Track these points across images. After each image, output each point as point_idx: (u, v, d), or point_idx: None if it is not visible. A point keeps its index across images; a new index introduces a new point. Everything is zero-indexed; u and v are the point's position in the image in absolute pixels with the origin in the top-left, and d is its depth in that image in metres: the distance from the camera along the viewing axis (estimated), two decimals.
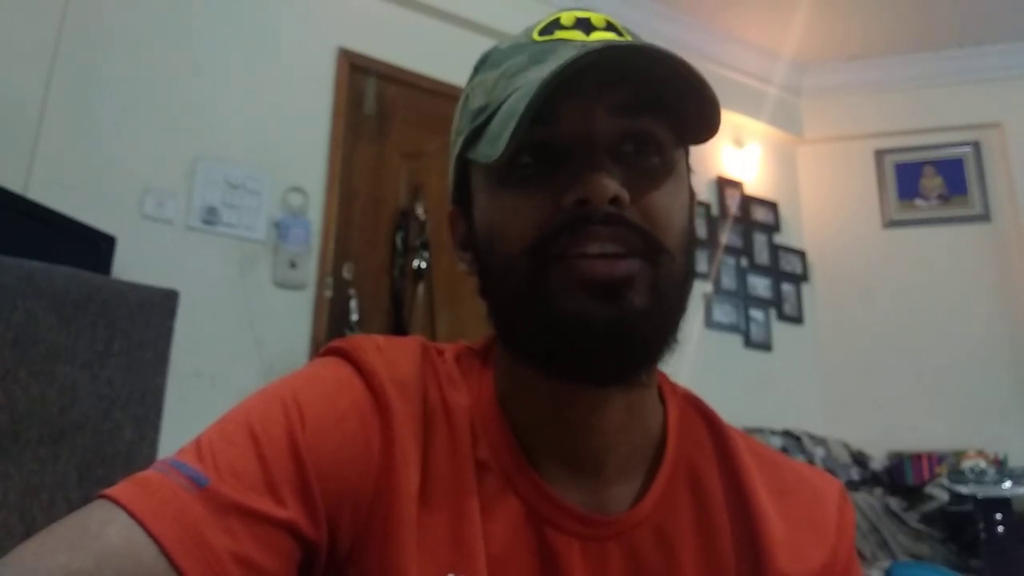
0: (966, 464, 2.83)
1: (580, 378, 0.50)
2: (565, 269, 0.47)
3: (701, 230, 3.39)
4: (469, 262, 0.57)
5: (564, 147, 0.49)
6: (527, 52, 0.52)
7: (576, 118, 0.49)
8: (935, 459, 3.03)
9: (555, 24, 0.53)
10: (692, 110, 0.50)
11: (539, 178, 0.49)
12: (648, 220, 0.49)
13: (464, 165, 0.55)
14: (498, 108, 0.50)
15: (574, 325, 0.47)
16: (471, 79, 0.56)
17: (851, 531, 0.58)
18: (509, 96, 0.49)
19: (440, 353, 0.57)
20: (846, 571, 0.56)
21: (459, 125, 0.56)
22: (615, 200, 0.47)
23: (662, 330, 0.50)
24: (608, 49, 0.46)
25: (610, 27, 0.53)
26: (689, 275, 0.52)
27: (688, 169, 0.56)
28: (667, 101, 0.49)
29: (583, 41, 0.51)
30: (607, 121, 0.49)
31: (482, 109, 0.52)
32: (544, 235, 0.48)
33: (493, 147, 0.47)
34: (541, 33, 0.53)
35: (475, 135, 0.52)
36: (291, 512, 0.45)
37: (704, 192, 3.45)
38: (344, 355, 0.54)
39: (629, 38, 0.53)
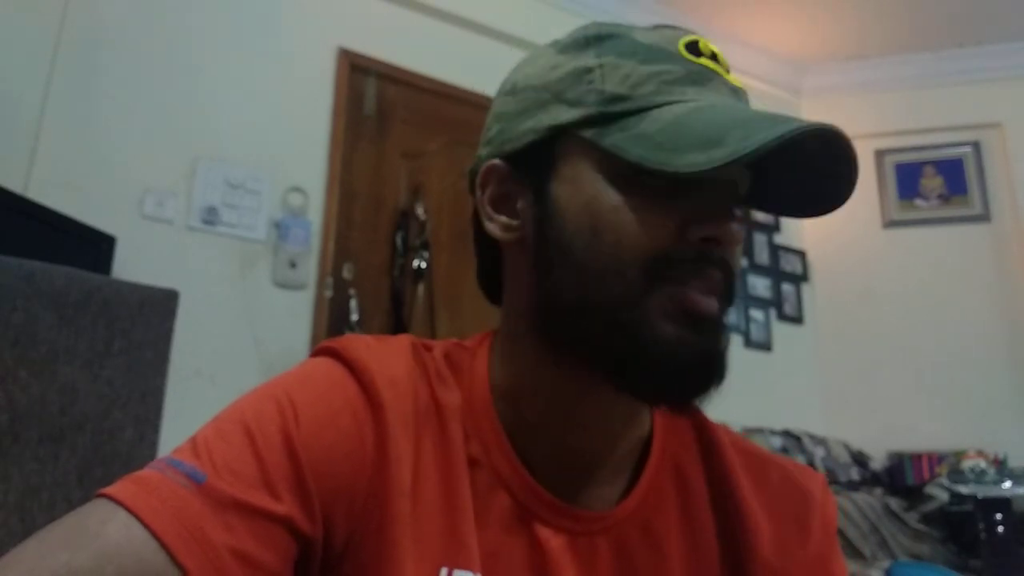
0: (966, 464, 2.82)
1: (654, 399, 0.52)
2: (671, 293, 0.48)
3: None
4: (504, 227, 0.55)
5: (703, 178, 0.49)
6: (680, 65, 0.51)
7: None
8: (935, 459, 3.03)
9: (695, 46, 0.53)
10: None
11: (666, 195, 0.49)
12: (734, 270, 0.51)
13: (553, 133, 0.52)
14: (649, 108, 0.49)
15: (669, 349, 0.48)
16: (588, 52, 0.52)
17: (833, 524, 0.60)
18: (669, 104, 0.49)
19: (429, 350, 0.58)
20: (828, 562, 0.58)
21: (575, 93, 0.51)
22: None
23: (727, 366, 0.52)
24: (828, 133, 0.50)
25: (717, 60, 0.55)
26: None
27: None
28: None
29: (730, 84, 0.54)
30: (744, 171, 0.52)
31: (621, 98, 0.50)
32: (665, 258, 0.48)
33: (672, 160, 0.46)
34: (688, 49, 0.52)
35: (605, 119, 0.50)
36: (287, 508, 0.45)
37: None
38: (336, 355, 0.54)
39: (737, 80, 0.55)
